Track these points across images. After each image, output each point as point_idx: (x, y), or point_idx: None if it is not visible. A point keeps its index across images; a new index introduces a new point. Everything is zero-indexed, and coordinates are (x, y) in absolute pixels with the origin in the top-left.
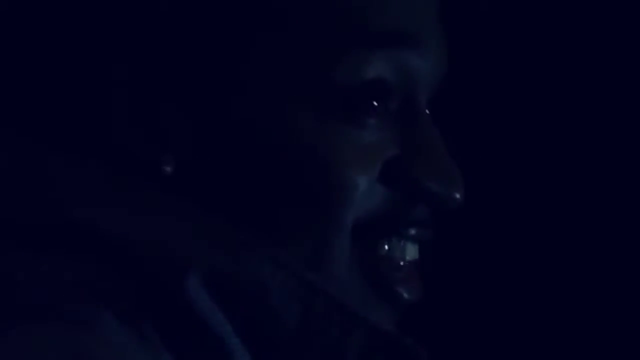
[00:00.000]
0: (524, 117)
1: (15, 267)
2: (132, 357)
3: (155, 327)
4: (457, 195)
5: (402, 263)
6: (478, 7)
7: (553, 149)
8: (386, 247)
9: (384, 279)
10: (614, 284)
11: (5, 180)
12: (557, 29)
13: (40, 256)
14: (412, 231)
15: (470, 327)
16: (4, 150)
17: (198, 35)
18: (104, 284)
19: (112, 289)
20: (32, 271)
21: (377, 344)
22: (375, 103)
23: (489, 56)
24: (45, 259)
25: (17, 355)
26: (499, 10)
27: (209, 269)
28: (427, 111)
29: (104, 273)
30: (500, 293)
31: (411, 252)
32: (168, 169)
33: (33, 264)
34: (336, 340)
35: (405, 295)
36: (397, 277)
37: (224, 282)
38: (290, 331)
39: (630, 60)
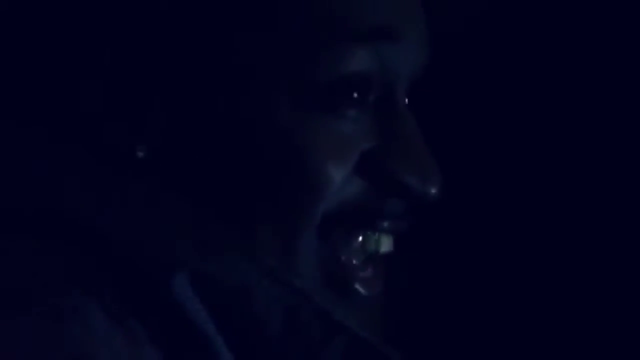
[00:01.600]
0: (502, 109)
1: (4, 255)
2: (117, 348)
3: (139, 322)
4: (433, 190)
5: (373, 256)
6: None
7: (537, 141)
8: (360, 239)
9: (344, 277)
10: (608, 279)
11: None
12: (542, 21)
13: (25, 246)
14: (386, 224)
15: (456, 324)
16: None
17: (177, 25)
18: (90, 276)
19: (97, 282)
20: (18, 260)
21: (357, 350)
22: (354, 95)
23: (471, 47)
24: (30, 249)
25: (3, 346)
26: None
27: (194, 269)
28: (406, 100)
29: (90, 266)
30: (484, 288)
31: (385, 244)
32: (140, 154)
33: (18, 253)
34: (317, 346)
35: (364, 292)
36: (359, 276)
37: (209, 284)
38: (272, 336)
39: (630, 60)
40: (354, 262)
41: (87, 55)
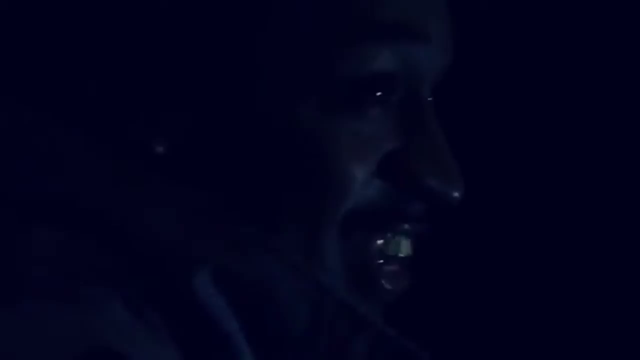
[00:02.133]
0: (522, 114)
1: (25, 247)
2: (138, 340)
3: (160, 316)
4: (455, 194)
5: (392, 258)
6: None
7: (550, 144)
8: (379, 242)
9: (369, 273)
10: (612, 281)
11: (18, 158)
12: (555, 25)
13: (47, 237)
14: (406, 226)
15: (466, 326)
16: (16, 131)
17: (198, 21)
18: (111, 269)
19: (119, 275)
20: (40, 251)
21: (382, 347)
22: (378, 94)
23: (487, 52)
24: (53, 240)
25: (22, 332)
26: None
27: (218, 266)
28: (430, 98)
29: (111, 259)
30: (497, 292)
31: (405, 248)
32: (160, 149)
33: (41, 245)
34: (342, 342)
35: (389, 287)
36: (384, 271)
37: (232, 280)
38: (298, 332)
39: (630, 60)
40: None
41: (108, 50)
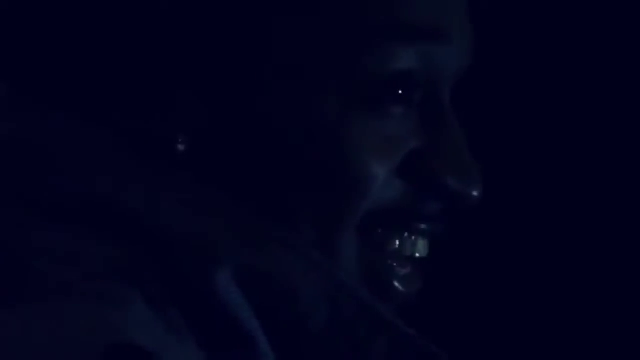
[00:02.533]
0: (530, 116)
1: (46, 244)
2: (162, 340)
3: (181, 313)
4: (475, 194)
5: (408, 259)
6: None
7: (557, 147)
8: (397, 242)
9: (383, 274)
10: (616, 283)
11: (39, 158)
12: (560, 27)
13: (69, 233)
14: (424, 226)
15: (474, 327)
16: (36, 129)
17: (221, 18)
18: (132, 266)
19: (140, 272)
20: (61, 246)
21: (402, 347)
22: (400, 92)
23: (493, 55)
24: (74, 236)
25: (46, 330)
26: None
27: (239, 263)
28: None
29: (133, 256)
30: (507, 293)
31: (421, 248)
32: (181, 147)
33: (65, 241)
34: (361, 341)
35: (402, 289)
36: (397, 273)
37: (254, 278)
38: (316, 330)
39: (630, 60)
40: (393, 263)
41: (130, 48)
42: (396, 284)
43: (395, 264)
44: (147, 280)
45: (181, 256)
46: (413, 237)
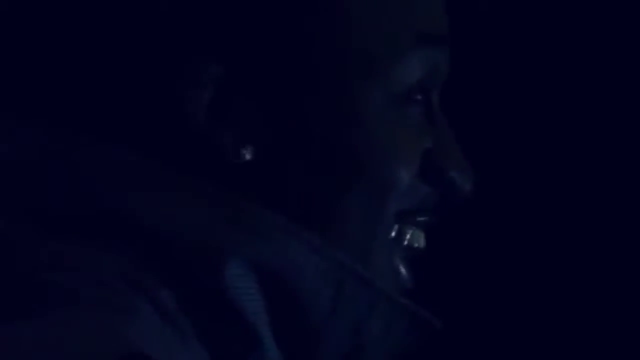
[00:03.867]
0: (522, 113)
1: (57, 255)
2: (170, 348)
3: (189, 319)
4: (468, 187)
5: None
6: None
7: (550, 144)
8: (408, 236)
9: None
10: (614, 281)
11: (49, 170)
12: (555, 26)
13: (81, 245)
14: (423, 218)
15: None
16: (53, 141)
17: (273, 30)
18: (143, 275)
19: (151, 281)
20: (74, 259)
21: (400, 318)
22: (419, 97)
23: (484, 54)
24: (87, 248)
25: (56, 340)
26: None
27: (249, 257)
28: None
29: (141, 263)
30: (499, 290)
31: (421, 239)
32: (247, 156)
33: (75, 253)
34: (362, 318)
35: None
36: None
37: (263, 270)
38: (322, 315)
39: (630, 60)
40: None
41: (192, 63)
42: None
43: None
44: (156, 290)
45: (191, 258)
46: (416, 230)
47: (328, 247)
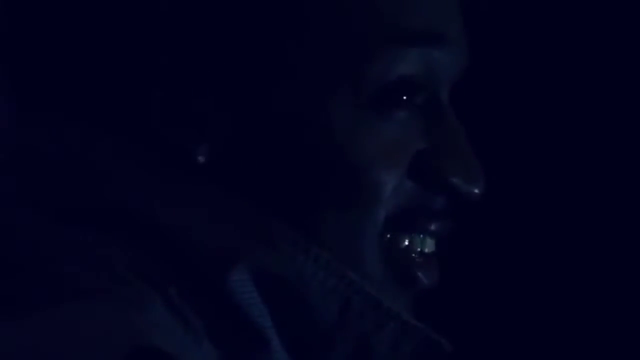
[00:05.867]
0: (528, 115)
1: (67, 250)
2: (181, 342)
3: (198, 316)
4: (477, 190)
5: (421, 253)
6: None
7: (557, 146)
8: (406, 241)
9: (405, 264)
10: (616, 282)
11: (62, 168)
12: (555, 26)
13: (91, 238)
14: (432, 226)
15: (479, 323)
16: (61, 140)
17: (236, 28)
18: (152, 270)
19: (160, 276)
20: (84, 251)
21: (407, 338)
22: (404, 97)
23: (491, 55)
24: (96, 241)
25: (69, 331)
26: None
27: (253, 264)
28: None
29: (152, 260)
30: (507, 291)
31: (430, 245)
32: (201, 158)
33: (85, 248)
34: (369, 336)
35: (425, 280)
36: (418, 263)
37: (267, 279)
38: (327, 329)
39: (630, 60)
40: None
41: (147, 59)
42: (419, 274)
43: (414, 256)
44: (167, 285)
45: (199, 260)
46: (421, 236)
47: (336, 263)
